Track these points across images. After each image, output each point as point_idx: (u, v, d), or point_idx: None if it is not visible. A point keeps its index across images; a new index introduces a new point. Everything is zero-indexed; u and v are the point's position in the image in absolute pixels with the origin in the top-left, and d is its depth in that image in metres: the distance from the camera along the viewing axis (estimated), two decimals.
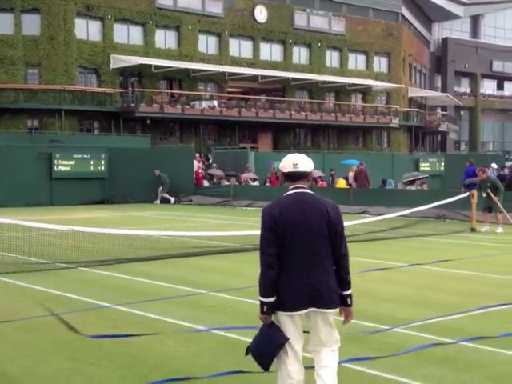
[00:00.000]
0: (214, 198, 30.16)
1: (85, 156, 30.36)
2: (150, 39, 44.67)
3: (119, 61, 42.49)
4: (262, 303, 4.49)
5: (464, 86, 72.65)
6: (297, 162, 4.50)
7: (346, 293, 4.61)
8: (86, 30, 42.23)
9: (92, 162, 30.50)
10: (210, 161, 37.57)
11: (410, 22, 63.40)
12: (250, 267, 12.02)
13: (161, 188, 30.40)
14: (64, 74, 41.02)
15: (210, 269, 11.83)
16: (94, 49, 42.29)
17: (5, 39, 39.88)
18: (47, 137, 33.88)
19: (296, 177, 4.50)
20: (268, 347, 4.51)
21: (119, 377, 5.74)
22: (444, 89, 68.44)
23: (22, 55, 40.28)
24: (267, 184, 31.81)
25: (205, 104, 45.34)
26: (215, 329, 7.36)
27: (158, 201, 30.42)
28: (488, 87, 74.40)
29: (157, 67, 43.19)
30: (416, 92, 62.30)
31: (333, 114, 51.24)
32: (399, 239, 16.63)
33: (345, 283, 4.59)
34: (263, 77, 47.33)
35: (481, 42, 72.95)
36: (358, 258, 13.11)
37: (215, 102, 46.00)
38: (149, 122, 42.72)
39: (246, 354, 4.72)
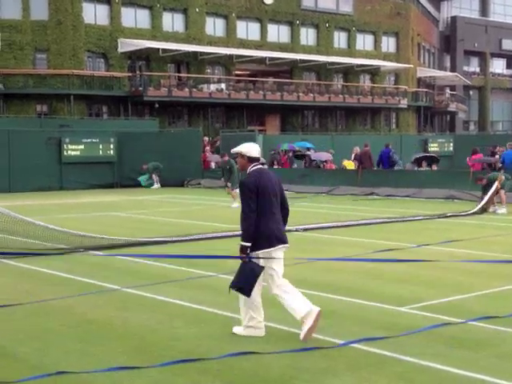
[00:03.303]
0: (223, 181, 30.13)
1: (94, 140, 30.44)
2: (158, 22, 44.50)
3: (127, 45, 42.40)
4: (246, 247, 6.17)
5: (473, 66, 72.07)
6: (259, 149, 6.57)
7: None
8: (94, 14, 42.10)
9: (101, 147, 30.58)
10: (218, 144, 37.53)
11: (418, 1, 62.81)
12: None
13: (155, 173, 30.43)
14: (72, 58, 40.98)
15: (219, 251, 11.87)
16: (102, 33, 42.20)
17: (13, 24, 39.83)
18: (56, 122, 33.95)
19: (258, 159, 6.48)
20: (250, 277, 6.13)
21: (129, 358, 5.80)
22: (453, 68, 67.94)
23: (30, 40, 40.24)
24: (275, 166, 31.75)
25: (213, 87, 45.23)
26: (224, 311, 7.42)
27: (157, 185, 30.36)
28: (497, 66, 73.78)
29: (164, 51, 43.08)
30: (425, 72, 61.86)
31: (341, 96, 51.00)
32: (407, 220, 16.62)
33: (284, 227, 6.58)
34: (271, 59, 47.14)
35: (490, 21, 72.20)
36: (366, 240, 13.16)
37: (223, 85, 45.89)
38: (157, 105, 42.68)
39: (229, 291, 6.33)
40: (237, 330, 6.53)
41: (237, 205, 19.23)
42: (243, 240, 6.19)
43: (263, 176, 6.36)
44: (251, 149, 6.48)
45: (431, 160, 29.44)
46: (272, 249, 6.28)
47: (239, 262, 10.55)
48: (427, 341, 6.25)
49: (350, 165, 29.16)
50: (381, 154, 28.77)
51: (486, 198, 17.98)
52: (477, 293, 8.30)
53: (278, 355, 5.85)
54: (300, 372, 5.42)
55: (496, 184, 17.85)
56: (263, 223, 6.21)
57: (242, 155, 6.49)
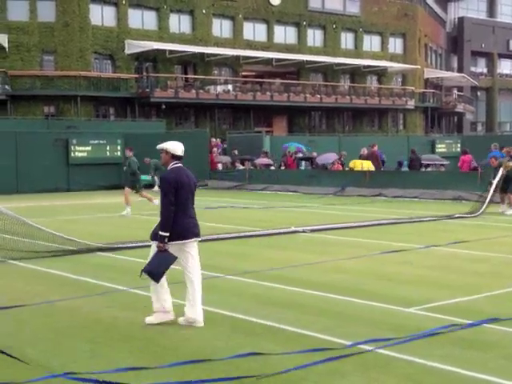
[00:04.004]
0: (229, 182, 30.18)
1: (101, 142, 30.50)
2: (164, 24, 44.55)
3: (134, 46, 42.47)
4: (164, 236, 6.67)
5: (481, 66, 71.85)
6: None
7: None
8: (101, 15, 42.20)
9: (108, 148, 30.63)
10: (225, 145, 37.60)
11: (425, 2, 62.67)
12: (265, 251, 12.07)
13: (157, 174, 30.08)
14: (79, 60, 41.09)
15: (224, 252, 11.87)
16: (109, 34, 42.28)
17: (20, 26, 39.95)
18: (63, 123, 34.05)
19: (181, 157, 6.96)
20: (163, 265, 6.70)
21: (136, 359, 5.80)
22: (460, 69, 67.76)
23: (37, 42, 40.35)
24: (282, 167, 31.77)
25: (219, 88, 45.26)
26: (231, 311, 7.41)
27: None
28: (505, 67, 73.49)
29: (171, 52, 43.13)
30: (432, 73, 61.70)
31: (348, 97, 50.96)
32: (415, 221, 16.56)
33: None
34: (278, 60, 47.12)
35: (498, 21, 71.95)
36: (373, 241, 13.13)
37: (230, 86, 45.90)
38: (164, 107, 42.74)
39: (141, 274, 6.83)
40: (149, 319, 6.96)
41: (129, 210, 18.27)
42: (162, 230, 6.70)
43: (182, 173, 6.91)
44: (177, 147, 6.99)
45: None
46: (185, 241, 6.83)
47: (243, 263, 10.64)
48: (435, 342, 6.22)
49: (357, 164, 28.87)
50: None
51: (491, 191, 17.97)
52: (484, 294, 8.26)
53: (285, 356, 5.83)
54: (308, 373, 5.40)
55: (501, 170, 17.82)
56: (179, 217, 6.75)
57: (167, 152, 6.96)
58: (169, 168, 6.96)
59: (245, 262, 10.69)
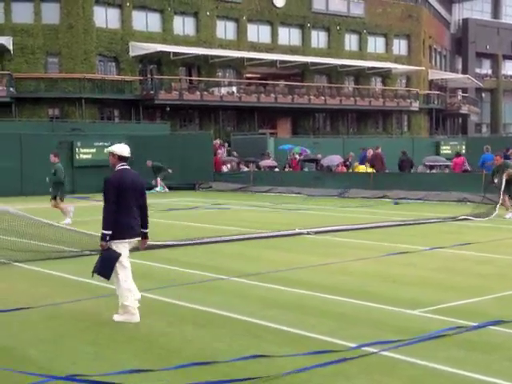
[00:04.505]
0: (234, 184, 30.18)
1: (105, 144, 30.42)
2: (169, 26, 44.60)
3: (138, 48, 42.52)
4: (106, 235, 6.99)
5: (485, 68, 71.74)
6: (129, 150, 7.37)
7: (146, 230, 7.43)
8: (105, 17, 42.26)
9: None
10: (229, 147, 37.61)
11: (429, 3, 62.61)
12: (269, 253, 12.06)
13: (159, 175, 30.33)
14: (84, 62, 41.15)
15: (227, 254, 11.87)
16: (113, 37, 42.34)
17: (25, 28, 40.04)
18: (68, 125, 34.09)
19: (127, 159, 7.28)
20: (109, 263, 7.01)
21: (140, 361, 5.79)
22: (465, 70, 67.64)
23: (42, 44, 40.43)
24: (287, 169, 31.77)
25: (224, 90, 45.28)
26: (235, 313, 7.40)
27: (161, 188, 30.27)
28: (510, 68, 73.31)
29: (175, 54, 43.14)
30: (436, 74, 61.62)
31: (352, 98, 50.91)
32: (420, 223, 16.53)
33: (147, 223, 7.43)
34: (282, 62, 47.10)
35: (502, 23, 71.85)
36: (379, 242, 13.10)
37: (234, 88, 45.92)
38: (168, 109, 42.77)
39: (92, 275, 7.16)
40: (116, 317, 7.17)
41: (68, 220, 17.44)
42: (104, 228, 7.00)
43: (127, 175, 7.23)
44: (123, 149, 7.33)
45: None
46: (125, 240, 7.14)
47: (247, 265, 10.63)
48: (440, 344, 6.20)
49: (360, 167, 29.02)
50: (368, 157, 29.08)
51: (501, 195, 17.84)
52: (489, 296, 8.24)
53: (289, 358, 5.82)
54: (312, 375, 5.39)
55: (504, 176, 17.70)
56: (122, 217, 7.05)
57: (113, 154, 7.29)
58: (116, 169, 7.27)
59: (248, 264, 10.68)
